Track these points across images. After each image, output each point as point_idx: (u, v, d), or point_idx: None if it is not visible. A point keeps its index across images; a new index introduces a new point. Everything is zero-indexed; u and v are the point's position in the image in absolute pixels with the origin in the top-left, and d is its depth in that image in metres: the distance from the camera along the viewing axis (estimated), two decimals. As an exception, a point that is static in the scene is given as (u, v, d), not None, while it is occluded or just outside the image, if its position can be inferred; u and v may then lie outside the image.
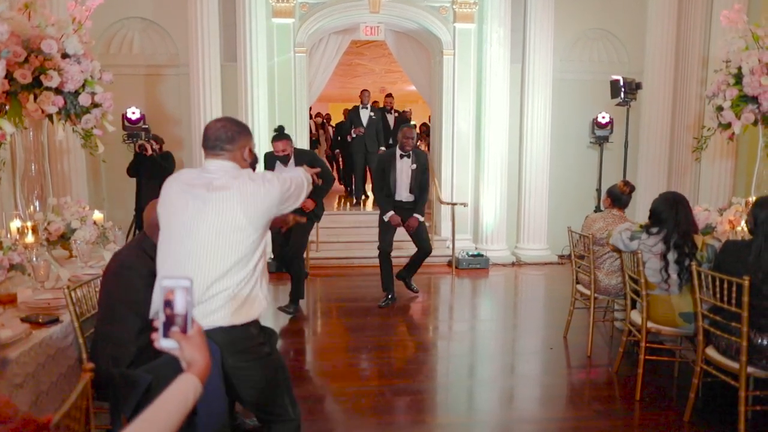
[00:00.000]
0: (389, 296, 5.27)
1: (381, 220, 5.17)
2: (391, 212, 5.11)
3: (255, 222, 1.88)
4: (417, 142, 4.82)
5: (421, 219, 5.19)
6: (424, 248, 5.27)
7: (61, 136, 3.00)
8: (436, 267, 6.75)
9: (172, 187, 1.96)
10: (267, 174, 2.01)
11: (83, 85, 3.06)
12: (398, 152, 5.18)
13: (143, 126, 6.23)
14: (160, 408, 1.01)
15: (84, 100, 3.03)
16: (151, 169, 5.99)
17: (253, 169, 2.14)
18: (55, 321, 2.30)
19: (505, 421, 3.11)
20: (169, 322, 1.10)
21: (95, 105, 3.13)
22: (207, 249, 1.83)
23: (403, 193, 5.20)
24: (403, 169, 5.17)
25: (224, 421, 1.88)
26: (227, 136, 1.97)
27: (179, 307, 1.09)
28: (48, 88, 2.86)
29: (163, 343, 1.11)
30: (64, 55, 2.94)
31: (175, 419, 1.01)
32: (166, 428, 0.99)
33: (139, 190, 6.25)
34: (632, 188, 4.02)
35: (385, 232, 5.19)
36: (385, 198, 5.17)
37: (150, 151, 6.05)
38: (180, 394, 1.05)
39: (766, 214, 2.61)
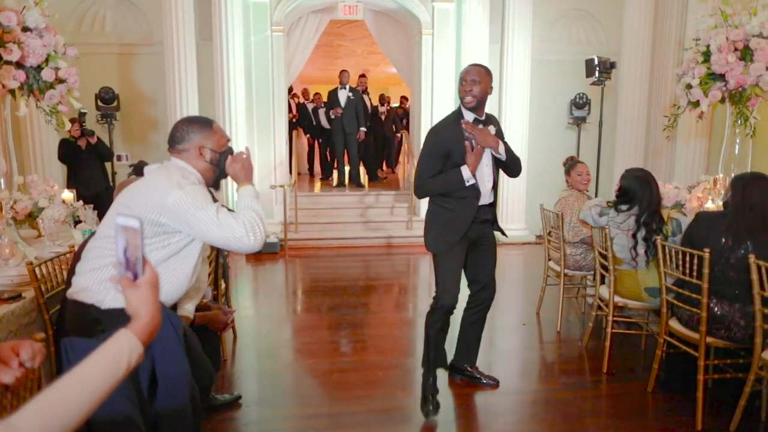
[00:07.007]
0: (433, 400, 2.83)
1: (439, 247, 2.86)
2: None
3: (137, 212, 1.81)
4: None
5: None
6: (491, 285, 3.11)
7: (23, 112, 2.94)
8: (416, 247, 6.79)
9: None
10: (198, 193, 1.85)
11: (46, 60, 2.98)
12: (466, 113, 2.80)
13: (82, 110, 5.76)
14: (88, 367, 0.91)
15: (47, 75, 2.96)
16: (87, 155, 5.94)
17: (218, 171, 2.01)
18: (18, 297, 2.28)
19: (480, 393, 3.15)
20: (122, 265, 0.99)
21: (60, 80, 3.06)
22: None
23: (484, 190, 2.86)
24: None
25: (189, 398, 1.87)
26: (177, 136, 1.98)
27: (129, 250, 0.98)
28: (8, 62, 2.79)
29: (118, 289, 1.01)
30: (25, 29, 2.87)
31: (105, 379, 0.91)
32: (93, 388, 0.90)
33: (75, 175, 5.98)
34: (570, 159, 4.39)
35: (450, 270, 2.84)
36: (447, 208, 2.81)
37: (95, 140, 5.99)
38: (111, 354, 0.94)
39: (748, 188, 2.65)
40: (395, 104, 12.10)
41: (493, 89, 2.79)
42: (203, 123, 2.00)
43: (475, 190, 2.76)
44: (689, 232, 2.85)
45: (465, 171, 2.71)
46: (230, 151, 2.05)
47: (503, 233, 3.07)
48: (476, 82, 2.75)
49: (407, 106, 10.68)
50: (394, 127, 10.80)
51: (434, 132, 2.84)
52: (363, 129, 8.50)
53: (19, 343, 1.13)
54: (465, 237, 2.84)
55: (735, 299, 2.62)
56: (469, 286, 3.08)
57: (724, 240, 2.62)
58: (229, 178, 2.04)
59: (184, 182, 1.85)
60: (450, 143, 2.74)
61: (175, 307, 2.09)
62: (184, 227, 1.82)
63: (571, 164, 4.20)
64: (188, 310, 2.23)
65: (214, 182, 2.04)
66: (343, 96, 8.35)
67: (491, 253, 3.05)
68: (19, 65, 2.84)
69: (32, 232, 3.52)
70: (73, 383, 0.89)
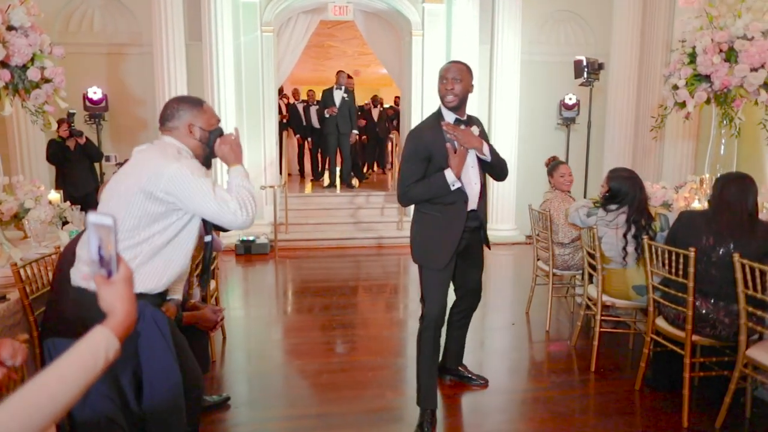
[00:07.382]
0: (431, 415, 2.73)
1: (428, 263, 2.71)
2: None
3: (140, 187, 1.82)
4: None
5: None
6: (478, 291, 3.06)
7: (8, 112, 2.90)
8: (406, 248, 6.74)
9: None
10: (195, 166, 1.90)
11: (32, 59, 2.95)
12: (447, 113, 2.64)
13: (70, 110, 5.73)
14: (66, 363, 0.92)
15: (33, 74, 2.93)
16: (76, 155, 5.89)
17: (208, 150, 2.03)
18: (2, 299, 2.25)
19: (469, 393, 3.16)
20: (96, 263, 1.00)
21: (45, 80, 3.02)
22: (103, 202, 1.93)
23: (472, 194, 2.70)
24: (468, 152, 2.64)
25: (178, 397, 1.85)
26: (167, 114, 2.00)
27: (103, 248, 0.99)
28: (-7, 62, 2.75)
29: (91, 286, 1.04)
30: (10, 27, 2.83)
31: (83, 375, 0.92)
32: (72, 384, 0.91)
33: (64, 176, 5.91)
34: (551, 159, 4.43)
35: (439, 286, 2.70)
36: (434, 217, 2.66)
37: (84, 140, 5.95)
38: (87, 350, 0.94)
39: (726, 187, 2.68)
40: (387, 105, 12.10)
41: (474, 87, 2.65)
42: (194, 102, 2.05)
43: (462, 194, 2.61)
44: (673, 231, 2.89)
45: (449, 174, 2.54)
46: (220, 131, 2.08)
47: (488, 246, 2.96)
48: (457, 80, 2.56)
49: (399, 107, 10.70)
50: (387, 125, 10.81)
51: (414, 135, 2.67)
52: (355, 132, 8.54)
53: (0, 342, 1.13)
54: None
55: (717, 297, 2.65)
56: (455, 291, 3.03)
57: (705, 239, 2.65)
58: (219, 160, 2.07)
59: (179, 157, 1.89)
60: (431, 146, 2.57)
61: (165, 293, 2.08)
62: (181, 200, 1.84)
63: (553, 165, 4.24)
64: (178, 295, 2.21)
65: (204, 161, 2.05)
66: (338, 96, 8.35)
67: (478, 260, 2.96)
68: (3, 64, 2.80)
69: (18, 234, 3.49)
70: (51, 379, 0.90)
